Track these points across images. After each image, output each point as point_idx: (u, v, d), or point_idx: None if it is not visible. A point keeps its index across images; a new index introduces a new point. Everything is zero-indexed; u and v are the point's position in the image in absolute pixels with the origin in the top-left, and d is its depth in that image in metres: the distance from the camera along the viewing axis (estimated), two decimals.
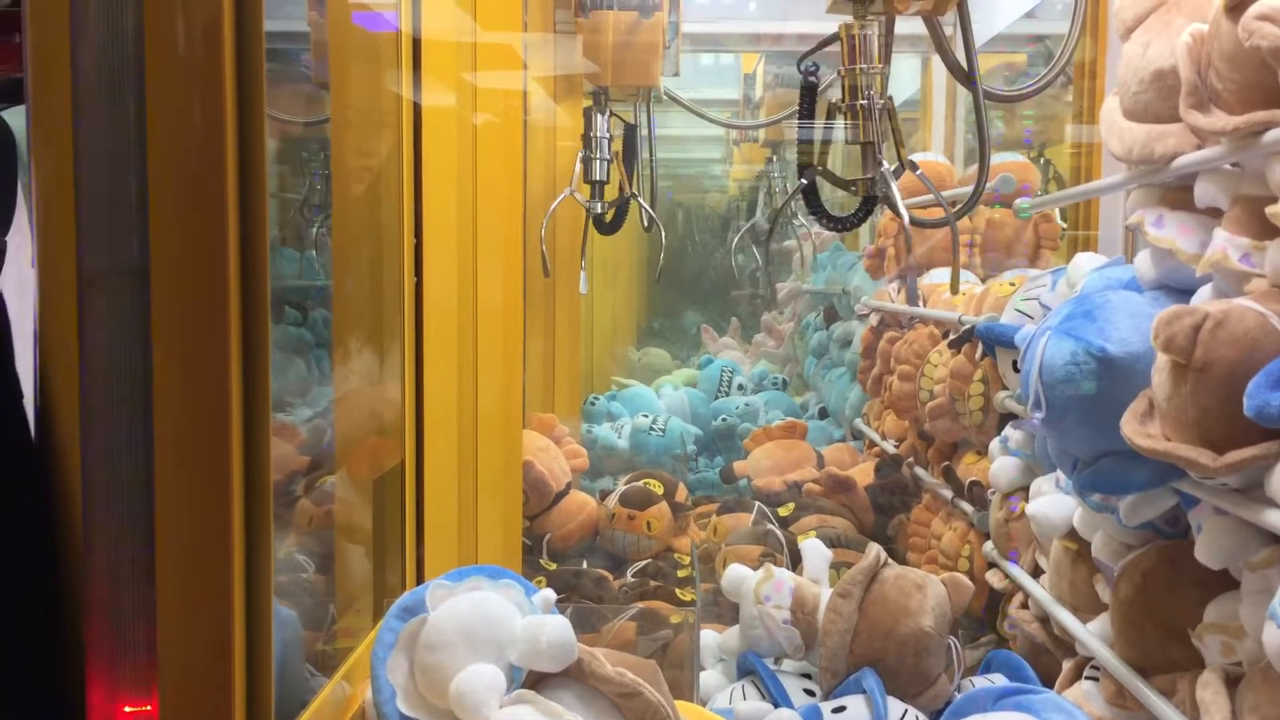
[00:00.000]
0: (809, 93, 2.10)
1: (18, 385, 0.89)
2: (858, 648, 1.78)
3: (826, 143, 2.11)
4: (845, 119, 1.98)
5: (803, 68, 2.10)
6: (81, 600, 0.87)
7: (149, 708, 0.85)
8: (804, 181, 2.09)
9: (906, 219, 1.93)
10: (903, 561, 2.73)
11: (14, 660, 0.86)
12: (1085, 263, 1.84)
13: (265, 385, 0.87)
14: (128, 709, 0.85)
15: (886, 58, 2.04)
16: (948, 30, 2.39)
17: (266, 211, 0.87)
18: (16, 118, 1.89)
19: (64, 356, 0.85)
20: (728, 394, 4.34)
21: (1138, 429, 1.32)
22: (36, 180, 0.86)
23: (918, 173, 2.10)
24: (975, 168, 3.06)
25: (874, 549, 1.86)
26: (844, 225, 2.06)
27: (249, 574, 0.87)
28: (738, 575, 2.01)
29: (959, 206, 2.93)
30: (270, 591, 0.89)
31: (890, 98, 2.02)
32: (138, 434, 0.84)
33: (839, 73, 1.98)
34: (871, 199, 2.02)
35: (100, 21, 0.82)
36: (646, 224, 2.70)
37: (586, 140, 2.66)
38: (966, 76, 2.10)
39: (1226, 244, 1.33)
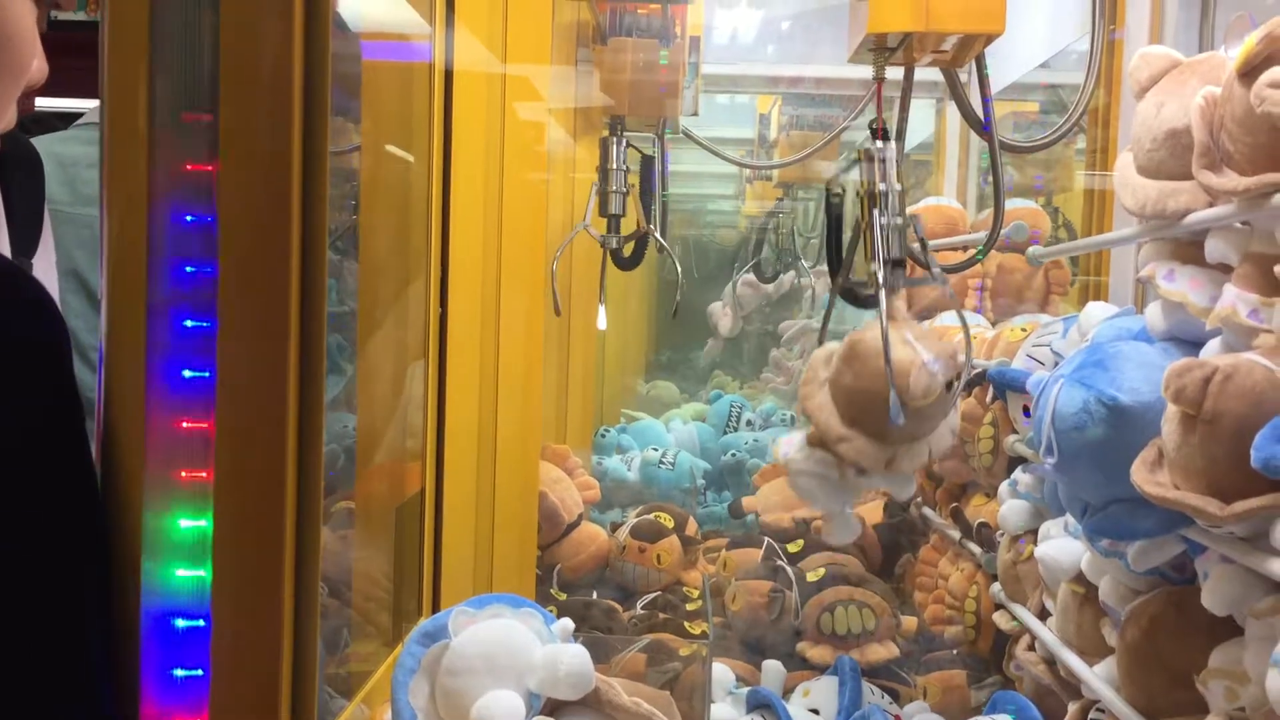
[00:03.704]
0: (832, 213, 2.06)
1: (80, 408, 0.93)
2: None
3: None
4: (865, 240, 1.94)
5: (830, 189, 2.09)
6: (135, 623, 0.91)
7: None
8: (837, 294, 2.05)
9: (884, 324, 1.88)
10: (909, 601, 2.76)
11: (70, 685, 0.89)
12: (1097, 312, 1.88)
13: (319, 413, 0.91)
14: None
15: (905, 106, 2.07)
16: (963, 78, 2.44)
17: (325, 243, 0.91)
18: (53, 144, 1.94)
19: (130, 384, 0.89)
20: (736, 429, 4.37)
21: (1147, 477, 1.36)
22: (108, 205, 0.91)
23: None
24: (988, 213, 3.11)
25: None
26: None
27: (298, 598, 0.91)
28: None
29: (972, 252, 2.98)
30: (317, 620, 0.93)
31: (914, 218, 1.98)
32: (198, 461, 0.88)
33: (857, 193, 1.95)
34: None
35: (177, 53, 0.87)
36: (666, 257, 2.73)
37: (602, 173, 2.66)
38: (982, 125, 2.14)
39: (1236, 299, 1.37)
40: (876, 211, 1.83)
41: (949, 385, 1.73)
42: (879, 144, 1.87)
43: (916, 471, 1.88)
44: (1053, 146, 3.55)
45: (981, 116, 2.12)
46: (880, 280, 1.80)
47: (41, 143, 1.80)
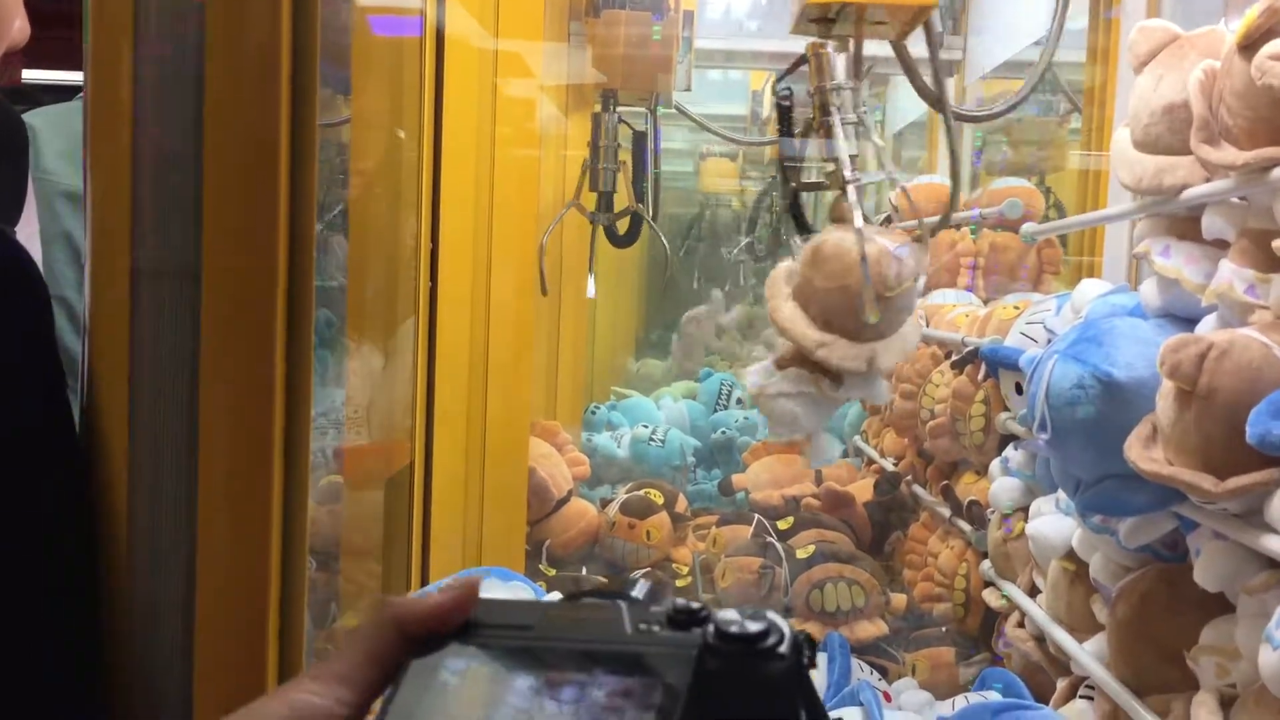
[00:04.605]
0: (784, 115, 2.07)
1: (62, 375, 0.92)
2: None
3: (801, 160, 2.09)
4: (818, 135, 1.96)
5: (777, 91, 2.09)
6: (121, 596, 0.89)
7: None
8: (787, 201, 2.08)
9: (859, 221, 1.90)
10: (899, 579, 2.76)
11: (50, 655, 0.88)
12: (1090, 289, 1.87)
13: (307, 388, 0.90)
14: None
15: (857, 75, 2.03)
16: (957, 55, 2.39)
17: (314, 216, 0.90)
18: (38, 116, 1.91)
19: (113, 355, 0.88)
20: (726, 407, 4.36)
21: (1141, 453, 1.35)
22: (92, 179, 0.89)
23: (897, 189, 2.10)
24: (980, 192, 3.10)
25: None
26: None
27: (284, 570, 0.90)
28: None
29: (965, 231, 2.97)
30: (304, 592, 0.92)
31: (862, 113, 2.00)
32: (183, 431, 0.87)
33: (809, 92, 1.97)
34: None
35: (162, 28, 0.85)
36: (657, 235, 2.72)
37: (594, 148, 2.64)
38: (937, 100, 2.10)
39: (1232, 275, 1.36)
40: (835, 109, 1.81)
41: (915, 277, 1.73)
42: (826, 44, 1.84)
43: (891, 373, 1.90)
44: (1044, 125, 3.54)
45: (935, 91, 2.09)
46: (846, 176, 1.78)
47: (48, 114, 1.77)
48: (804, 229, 2.07)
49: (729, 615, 0.49)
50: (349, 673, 0.50)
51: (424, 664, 0.49)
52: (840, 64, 1.87)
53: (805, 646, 0.49)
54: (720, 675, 0.47)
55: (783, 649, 0.48)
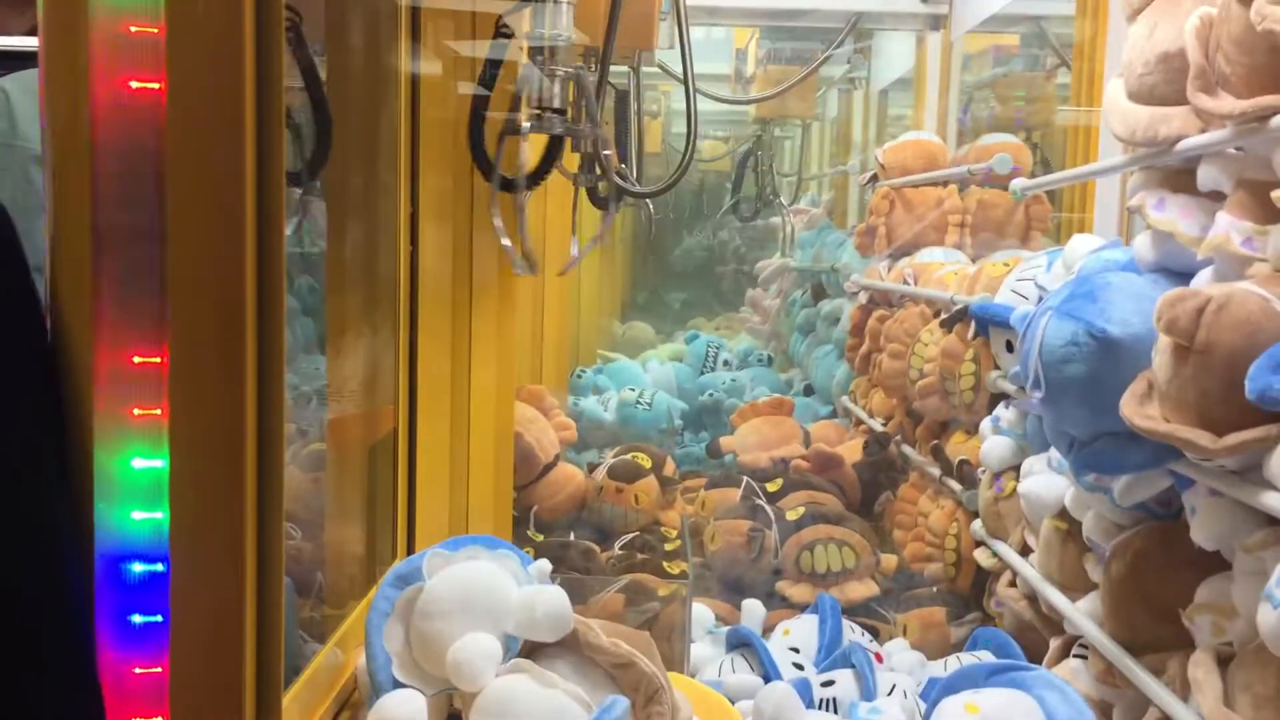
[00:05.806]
0: (496, 54, 1.96)
1: (37, 299, 0.87)
2: None
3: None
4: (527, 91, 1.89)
5: (498, 24, 1.98)
6: (90, 568, 0.86)
7: (159, 669, 0.84)
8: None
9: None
10: (889, 540, 2.75)
11: (28, 616, 0.85)
12: (1082, 244, 1.84)
13: (279, 343, 0.87)
14: (137, 670, 0.85)
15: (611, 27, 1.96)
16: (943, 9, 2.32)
17: (282, 173, 0.86)
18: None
19: (78, 318, 0.84)
20: (713, 369, 4.34)
21: (1137, 410, 1.33)
22: (50, 140, 0.85)
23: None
24: (969, 148, 3.06)
25: None
26: (523, 186, 1.95)
27: (261, 540, 0.87)
28: None
29: (953, 187, 2.93)
30: (281, 562, 0.89)
31: (580, 69, 1.92)
32: (151, 396, 0.84)
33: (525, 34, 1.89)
34: (550, 154, 1.97)
35: None
36: (639, 198, 2.67)
37: (576, 108, 2.59)
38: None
39: (1229, 228, 1.33)
40: (541, 58, 1.76)
41: None
42: None
43: None
44: (1032, 81, 3.49)
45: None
46: (529, 126, 1.72)
47: (21, 79, 1.72)
48: (486, 171, 1.97)
49: None
50: None
51: None
52: (565, 13, 1.80)
53: None
54: None
55: None
